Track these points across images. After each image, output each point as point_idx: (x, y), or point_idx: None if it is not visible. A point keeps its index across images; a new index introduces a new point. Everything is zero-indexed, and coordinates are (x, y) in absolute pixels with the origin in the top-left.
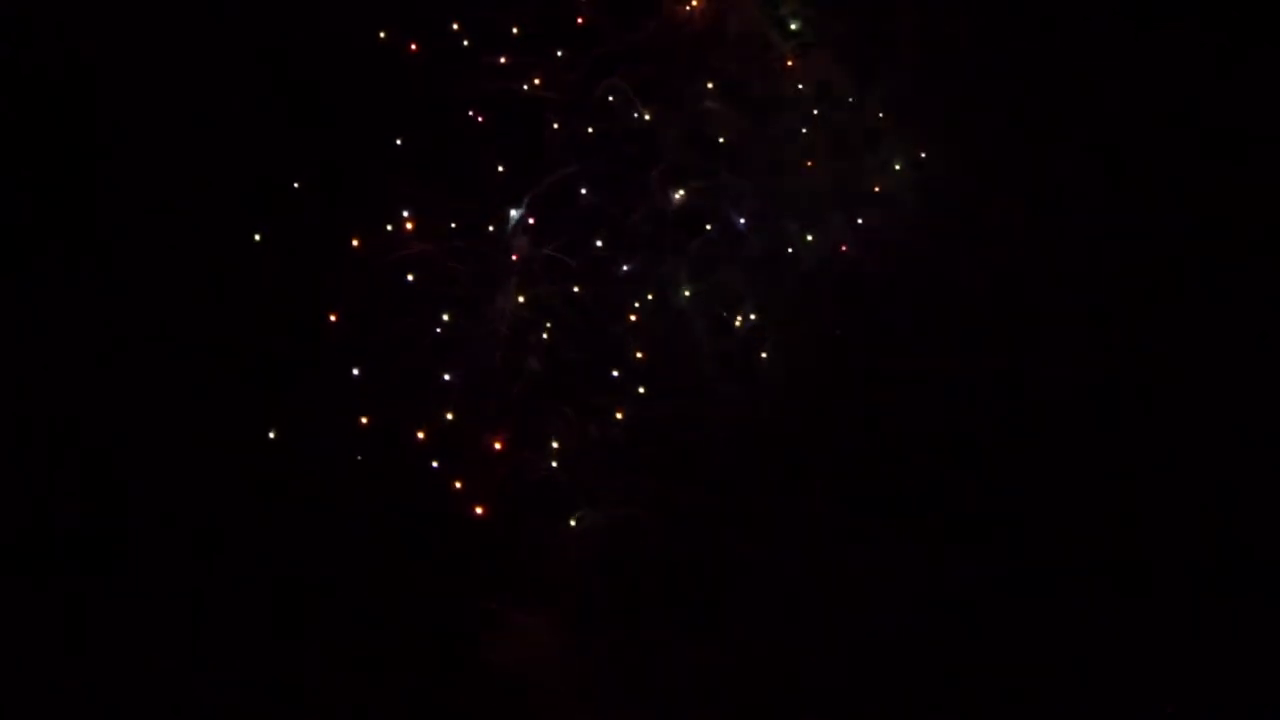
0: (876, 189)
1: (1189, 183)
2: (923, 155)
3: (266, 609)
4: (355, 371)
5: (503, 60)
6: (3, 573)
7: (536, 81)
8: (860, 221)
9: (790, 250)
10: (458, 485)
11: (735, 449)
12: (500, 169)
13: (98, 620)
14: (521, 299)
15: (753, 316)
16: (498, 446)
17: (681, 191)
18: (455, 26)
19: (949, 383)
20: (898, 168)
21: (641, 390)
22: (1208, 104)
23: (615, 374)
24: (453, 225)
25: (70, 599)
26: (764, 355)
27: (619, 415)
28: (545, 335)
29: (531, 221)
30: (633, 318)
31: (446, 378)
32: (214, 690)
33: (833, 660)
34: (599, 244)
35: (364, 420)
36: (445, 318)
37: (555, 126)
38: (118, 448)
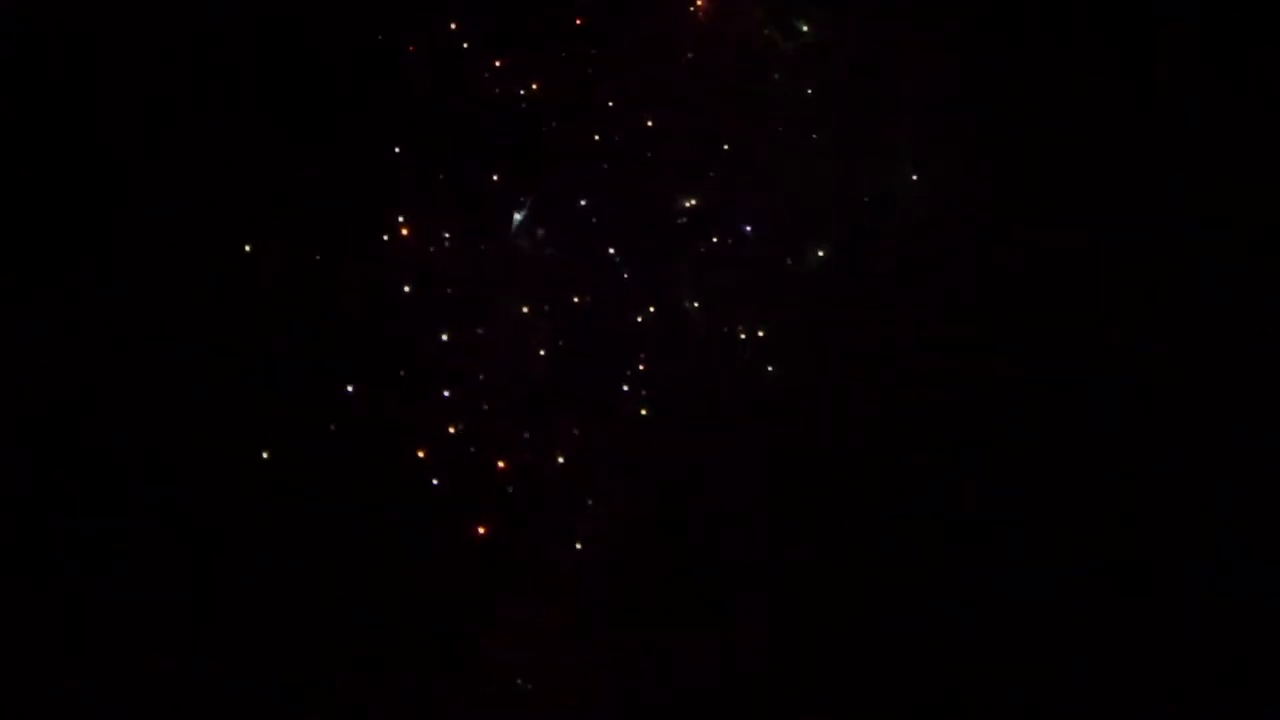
0: (880, 190)
1: (1189, 183)
2: (926, 156)
3: (266, 609)
4: (357, 373)
5: (501, 63)
6: (3, 573)
7: (534, 86)
8: (863, 223)
9: (796, 253)
10: (460, 503)
11: (737, 451)
12: (502, 173)
13: (98, 620)
14: (526, 308)
15: (757, 325)
16: (501, 465)
17: (686, 195)
18: (453, 26)
19: (949, 383)
20: (902, 171)
21: (645, 395)
22: (1208, 104)
23: (619, 378)
24: (455, 230)
25: (70, 599)
26: (767, 359)
27: (623, 419)
28: (548, 343)
29: (535, 226)
30: (639, 319)
31: (446, 394)
32: (214, 690)
33: (833, 660)
34: (602, 248)
35: (364, 423)
36: (447, 323)
37: (557, 129)
38: (118, 448)
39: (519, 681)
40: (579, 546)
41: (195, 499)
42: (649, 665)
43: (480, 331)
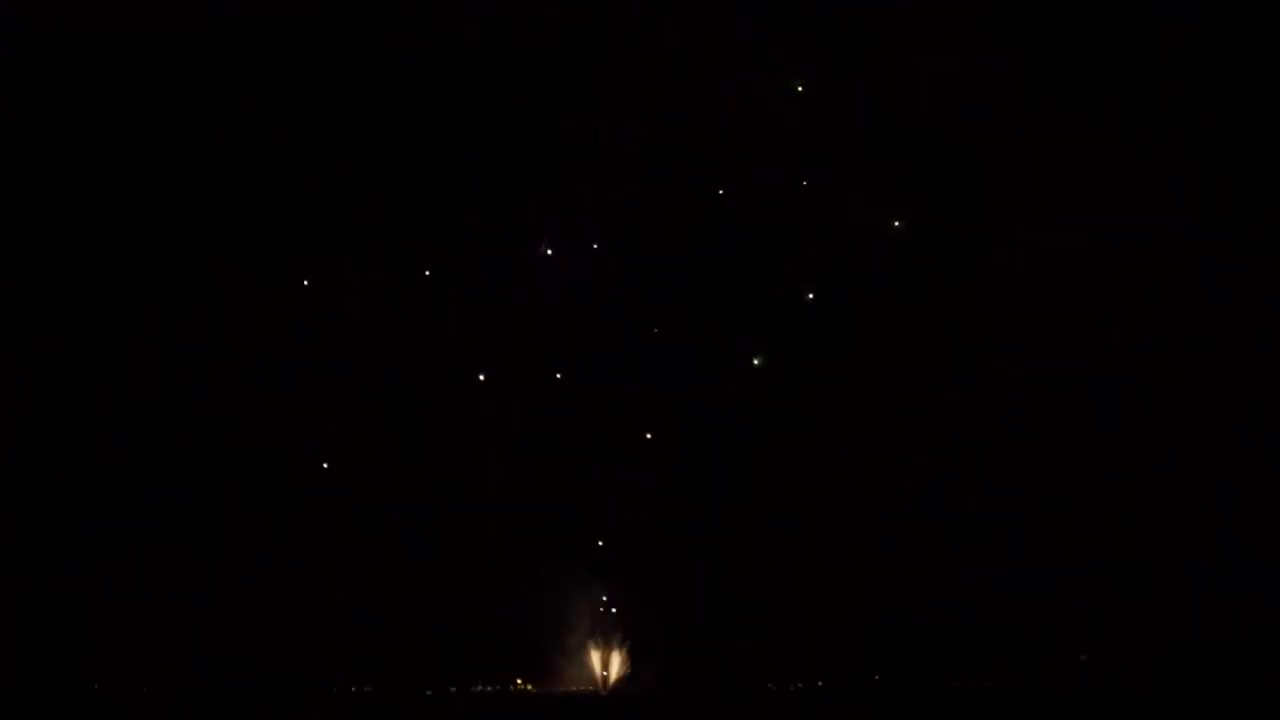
0: (884, 194)
1: (1189, 183)
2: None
3: (267, 607)
4: (358, 376)
5: (502, 75)
6: (3, 573)
7: (536, 94)
8: (866, 225)
9: (799, 255)
10: (461, 506)
11: (740, 455)
12: (503, 193)
13: (98, 620)
14: (533, 320)
15: (760, 331)
16: (503, 470)
17: (690, 222)
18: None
19: (951, 384)
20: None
21: (649, 405)
22: (1208, 104)
23: (624, 389)
24: (458, 246)
25: (70, 599)
26: (769, 361)
27: (627, 424)
28: (552, 356)
29: (549, 251)
30: (641, 336)
31: (449, 399)
32: (215, 689)
33: (834, 660)
34: (605, 268)
35: (366, 426)
36: (454, 332)
37: (557, 141)
38: (118, 448)
39: (519, 681)
40: (582, 548)
41: (195, 498)
42: (652, 665)
43: (483, 339)
